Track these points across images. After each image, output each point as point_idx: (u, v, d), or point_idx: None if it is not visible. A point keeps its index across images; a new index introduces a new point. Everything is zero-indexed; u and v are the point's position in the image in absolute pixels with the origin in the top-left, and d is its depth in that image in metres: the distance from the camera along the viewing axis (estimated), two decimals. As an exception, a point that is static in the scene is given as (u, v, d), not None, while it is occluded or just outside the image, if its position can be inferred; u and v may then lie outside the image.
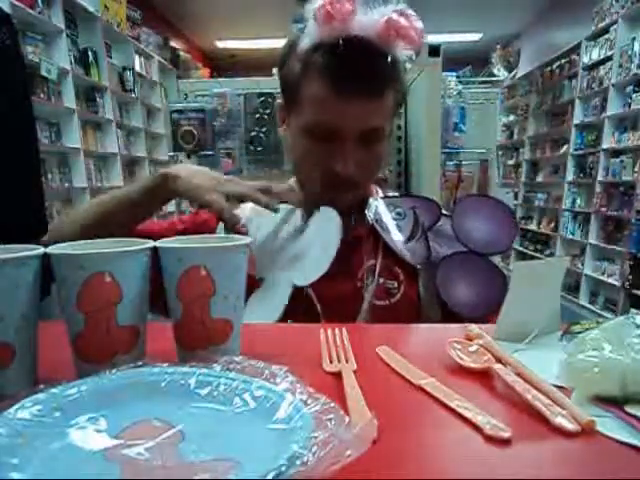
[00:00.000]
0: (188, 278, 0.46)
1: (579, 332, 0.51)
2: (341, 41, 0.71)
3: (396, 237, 0.83)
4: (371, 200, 0.87)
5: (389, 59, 0.73)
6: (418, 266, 0.81)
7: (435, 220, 0.84)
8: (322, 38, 0.73)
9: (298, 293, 0.77)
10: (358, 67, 0.73)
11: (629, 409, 0.40)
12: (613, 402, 0.41)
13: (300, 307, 0.75)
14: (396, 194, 0.95)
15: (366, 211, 0.85)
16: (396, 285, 0.81)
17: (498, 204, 0.84)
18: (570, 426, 0.38)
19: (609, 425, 0.38)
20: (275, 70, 0.87)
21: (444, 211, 0.86)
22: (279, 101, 0.88)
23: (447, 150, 2.42)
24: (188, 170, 0.75)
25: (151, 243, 0.48)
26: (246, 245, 0.49)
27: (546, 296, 0.59)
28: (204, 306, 0.47)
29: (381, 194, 0.92)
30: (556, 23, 6.14)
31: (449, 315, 0.78)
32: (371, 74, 0.73)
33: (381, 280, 0.80)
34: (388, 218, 0.85)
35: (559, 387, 0.44)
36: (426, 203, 0.87)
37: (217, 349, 0.47)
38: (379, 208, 0.86)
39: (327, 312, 0.75)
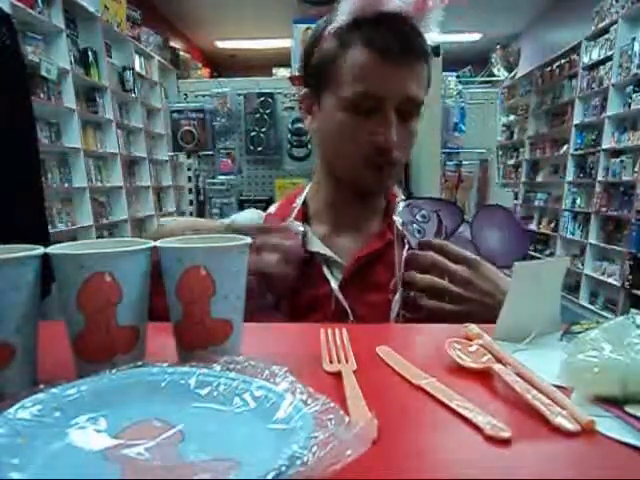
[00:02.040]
0: (188, 278, 0.46)
1: (579, 332, 0.51)
2: (382, 13, 0.74)
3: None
4: (396, 205, 0.85)
5: (421, 31, 0.77)
6: None
7: (457, 225, 0.84)
8: (359, 14, 0.75)
9: (330, 303, 0.78)
10: (400, 36, 0.75)
11: (629, 409, 0.40)
12: (613, 402, 0.41)
13: (334, 316, 0.76)
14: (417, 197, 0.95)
15: (394, 216, 0.83)
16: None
17: (510, 216, 0.85)
18: (570, 426, 0.38)
19: (609, 425, 0.38)
20: (275, 70, 0.86)
21: (466, 217, 0.87)
22: (305, 91, 0.86)
23: (447, 150, 2.42)
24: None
25: (151, 243, 0.48)
26: (246, 245, 0.49)
27: (546, 296, 0.59)
28: (204, 306, 0.47)
29: (402, 196, 0.91)
30: (556, 23, 6.15)
31: None
32: (411, 42, 0.76)
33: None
34: (412, 223, 0.84)
35: (559, 387, 0.44)
36: (449, 207, 0.87)
37: (217, 349, 0.47)
38: (405, 212, 0.85)
39: (360, 322, 0.75)
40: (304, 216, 0.87)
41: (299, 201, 0.89)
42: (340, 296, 0.78)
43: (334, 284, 0.79)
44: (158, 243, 0.48)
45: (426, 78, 0.80)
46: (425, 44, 0.78)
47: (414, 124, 0.80)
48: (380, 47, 0.74)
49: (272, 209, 0.93)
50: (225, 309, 0.48)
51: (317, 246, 0.82)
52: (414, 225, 0.84)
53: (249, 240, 0.50)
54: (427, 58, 0.79)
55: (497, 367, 0.47)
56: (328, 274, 0.81)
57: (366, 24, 0.75)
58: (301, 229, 0.82)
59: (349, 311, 0.77)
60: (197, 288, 0.46)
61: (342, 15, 0.76)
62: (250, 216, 0.91)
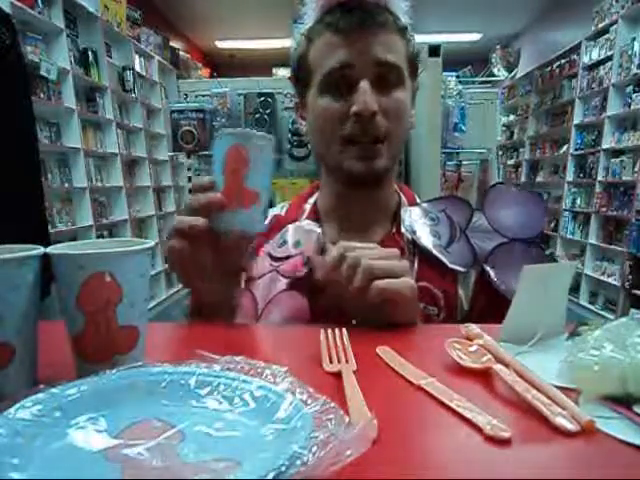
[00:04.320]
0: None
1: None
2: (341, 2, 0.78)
3: (436, 248, 0.80)
4: (402, 211, 0.85)
5: (386, 8, 0.78)
6: (463, 269, 0.78)
7: (468, 217, 0.82)
8: (321, 10, 0.80)
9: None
10: (358, 12, 0.76)
11: (638, 409, 0.40)
12: (621, 402, 0.41)
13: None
14: (418, 201, 0.91)
15: (402, 229, 0.82)
16: (436, 312, 0.77)
17: (523, 191, 0.84)
18: (570, 426, 0.38)
19: (617, 426, 0.38)
20: (275, 70, 0.87)
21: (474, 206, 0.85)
22: (297, 99, 0.88)
23: (447, 150, 2.42)
24: None
25: (151, 243, 0.48)
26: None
27: (553, 299, 0.58)
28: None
29: (418, 201, 0.89)
30: (556, 23, 6.15)
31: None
32: (371, 14, 0.76)
33: (422, 305, 0.75)
34: (423, 228, 0.82)
35: (564, 388, 0.44)
36: (454, 202, 0.85)
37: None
38: (412, 218, 0.83)
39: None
40: (316, 217, 0.86)
41: (311, 201, 0.88)
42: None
43: None
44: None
45: (402, 49, 0.79)
46: (393, 18, 0.78)
47: (399, 93, 0.78)
48: (339, 26, 0.76)
49: (279, 210, 0.91)
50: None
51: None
52: (427, 230, 0.82)
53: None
54: (397, 30, 0.78)
55: (497, 367, 0.47)
56: None
57: (327, 14, 0.78)
58: (318, 230, 0.82)
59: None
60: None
61: (309, 17, 0.81)
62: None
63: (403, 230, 0.82)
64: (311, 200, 0.89)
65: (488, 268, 0.77)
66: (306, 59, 0.80)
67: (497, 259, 0.78)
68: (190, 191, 0.68)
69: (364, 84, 0.74)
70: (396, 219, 0.84)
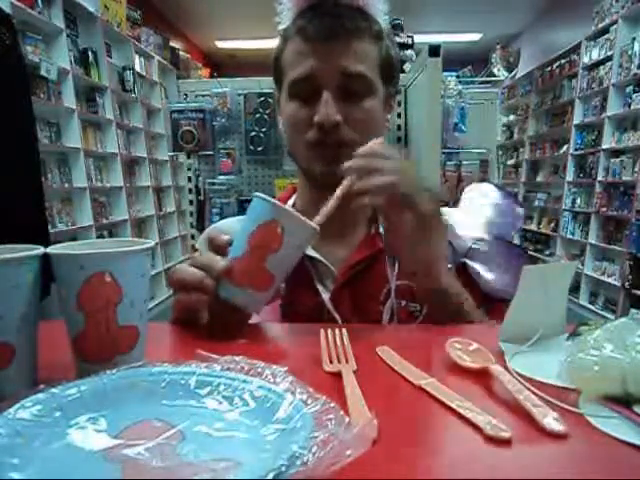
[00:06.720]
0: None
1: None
2: (314, 3, 0.77)
3: None
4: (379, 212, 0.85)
5: (361, 11, 0.77)
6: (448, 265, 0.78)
7: None
8: (296, 9, 0.79)
9: (321, 313, 0.76)
10: (329, 17, 0.75)
11: (638, 409, 0.40)
12: (621, 402, 0.41)
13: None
14: None
15: (380, 229, 0.82)
16: (418, 308, 0.78)
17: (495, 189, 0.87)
18: (558, 427, 0.37)
19: (617, 426, 0.38)
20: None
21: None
22: (276, 95, 0.88)
23: (447, 150, 2.42)
24: None
25: (151, 243, 0.48)
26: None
27: (553, 299, 0.58)
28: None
29: None
30: (556, 23, 6.15)
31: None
32: (341, 18, 0.75)
33: (404, 302, 0.78)
34: None
35: (561, 388, 0.44)
36: None
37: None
38: None
39: None
40: None
41: (290, 203, 0.88)
42: (331, 308, 0.77)
43: (325, 296, 0.77)
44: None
45: (374, 56, 0.78)
46: (367, 23, 0.77)
47: (368, 103, 0.77)
48: (308, 31, 0.75)
49: None
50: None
51: (309, 251, 0.80)
52: None
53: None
54: (370, 36, 0.77)
55: (494, 367, 0.47)
56: (319, 285, 0.79)
57: (300, 16, 0.78)
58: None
59: (340, 322, 0.75)
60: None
61: (286, 16, 0.80)
62: (232, 224, 0.88)
63: (382, 231, 0.82)
64: (290, 202, 0.88)
65: (468, 261, 0.80)
66: (280, 60, 0.81)
67: (475, 253, 0.80)
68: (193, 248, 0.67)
69: (326, 95, 0.74)
70: (373, 221, 0.84)
